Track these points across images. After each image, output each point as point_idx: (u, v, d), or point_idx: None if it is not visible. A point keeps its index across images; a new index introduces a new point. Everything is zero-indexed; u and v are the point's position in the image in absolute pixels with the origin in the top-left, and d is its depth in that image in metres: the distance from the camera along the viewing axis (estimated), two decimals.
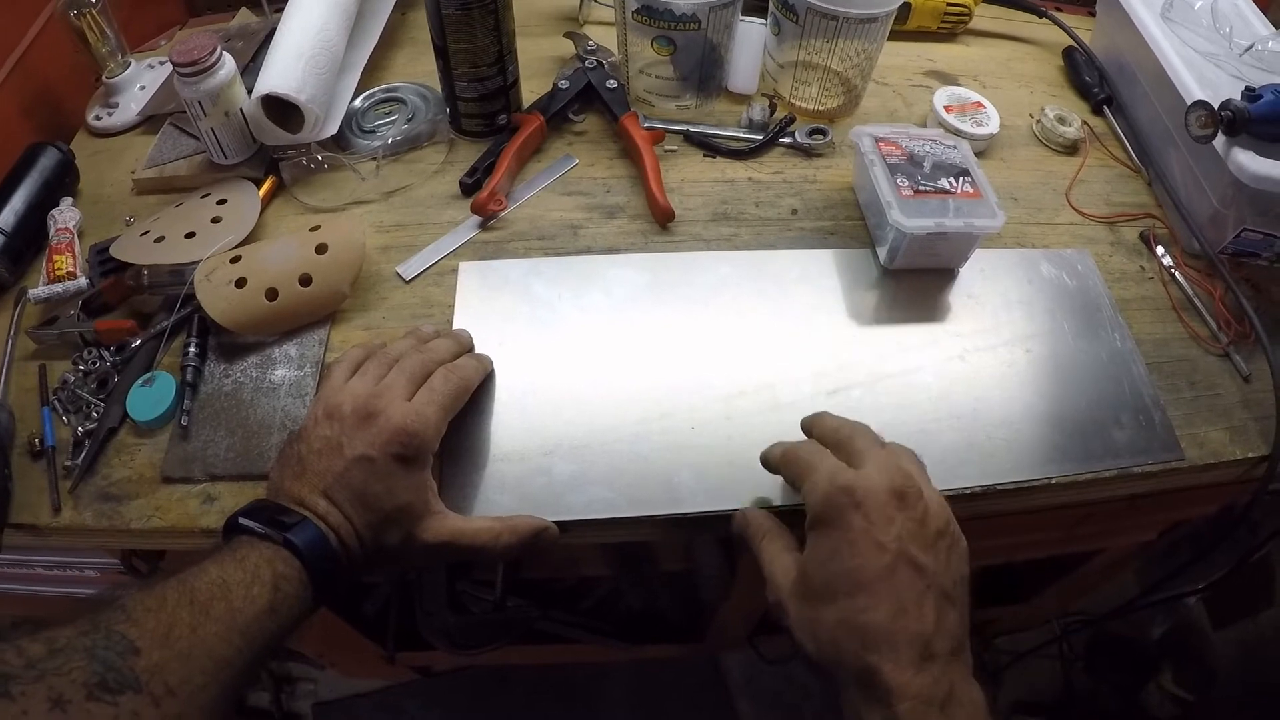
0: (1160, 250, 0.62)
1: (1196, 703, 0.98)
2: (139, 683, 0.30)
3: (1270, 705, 0.92)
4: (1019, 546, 0.74)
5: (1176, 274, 0.60)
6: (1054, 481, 0.48)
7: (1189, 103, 0.59)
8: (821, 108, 0.66)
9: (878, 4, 0.58)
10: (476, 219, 0.58)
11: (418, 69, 0.70)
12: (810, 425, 0.44)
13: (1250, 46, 0.66)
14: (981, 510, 0.49)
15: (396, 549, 0.41)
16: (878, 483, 0.35)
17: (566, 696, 1.08)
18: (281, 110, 0.58)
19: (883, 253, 0.57)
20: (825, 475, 0.36)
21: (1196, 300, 0.59)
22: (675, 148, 0.64)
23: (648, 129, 0.63)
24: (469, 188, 0.60)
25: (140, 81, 0.69)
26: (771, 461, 0.42)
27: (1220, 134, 0.55)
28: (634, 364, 0.51)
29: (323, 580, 0.38)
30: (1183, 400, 0.53)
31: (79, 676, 0.29)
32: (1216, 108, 0.56)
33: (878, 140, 0.56)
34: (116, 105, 0.68)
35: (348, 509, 0.39)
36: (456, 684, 1.08)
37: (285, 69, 0.58)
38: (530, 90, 0.65)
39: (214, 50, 0.55)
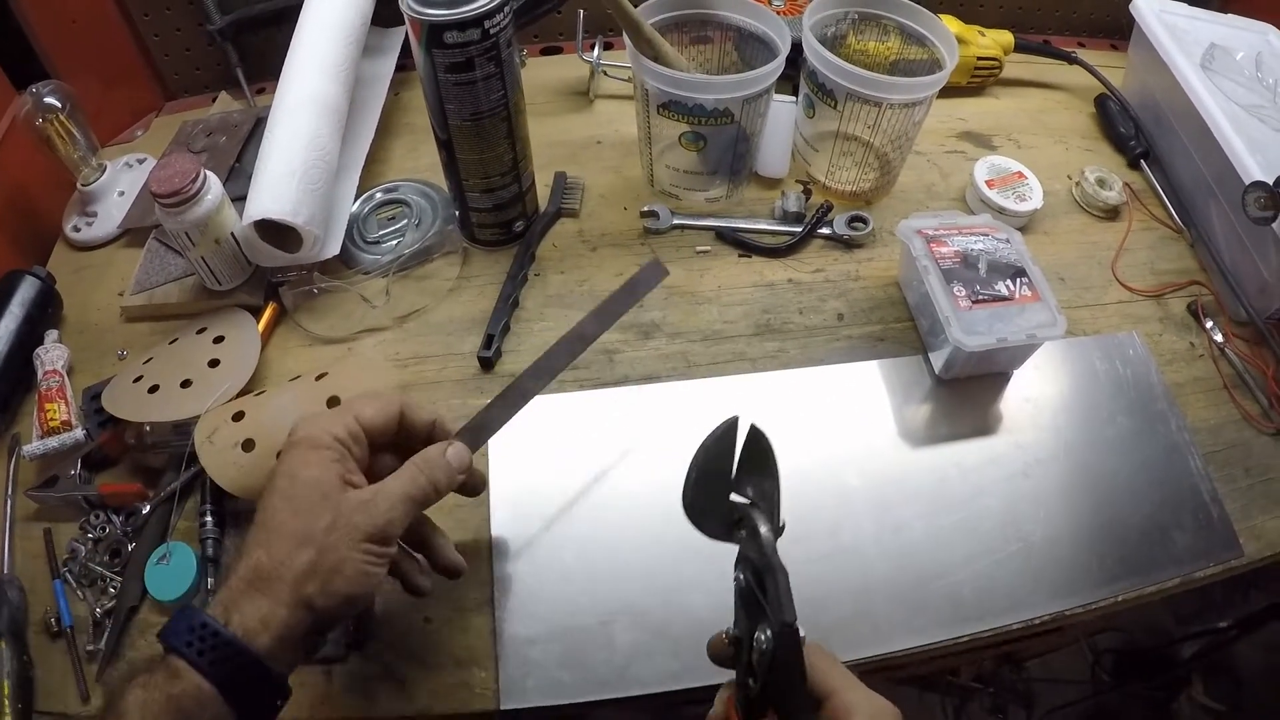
0: (1209, 324, 0.60)
1: (1228, 713, 0.99)
2: None
3: None
4: None
5: (1227, 349, 0.59)
6: (1120, 599, 0.47)
7: (1233, 164, 0.58)
8: (858, 189, 0.62)
9: (921, 87, 0.54)
10: None
11: (419, 162, 0.65)
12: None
13: None
14: (1046, 628, 0.48)
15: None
16: None
17: None
18: (277, 228, 0.53)
19: (937, 361, 0.54)
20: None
21: (1247, 377, 0.57)
22: (708, 248, 0.59)
23: (677, 226, 0.58)
24: (489, 362, 0.53)
25: (119, 186, 0.63)
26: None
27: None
28: None
29: (225, 673, 0.30)
30: (1239, 490, 0.52)
31: None
32: (1272, 183, 0.54)
33: (929, 240, 0.53)
34: (95, 215, 0.62)
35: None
36: None
37: (277, 188, 0.52)
38: (544, 183, 0.60)
39: (196, 176, 0.50)
